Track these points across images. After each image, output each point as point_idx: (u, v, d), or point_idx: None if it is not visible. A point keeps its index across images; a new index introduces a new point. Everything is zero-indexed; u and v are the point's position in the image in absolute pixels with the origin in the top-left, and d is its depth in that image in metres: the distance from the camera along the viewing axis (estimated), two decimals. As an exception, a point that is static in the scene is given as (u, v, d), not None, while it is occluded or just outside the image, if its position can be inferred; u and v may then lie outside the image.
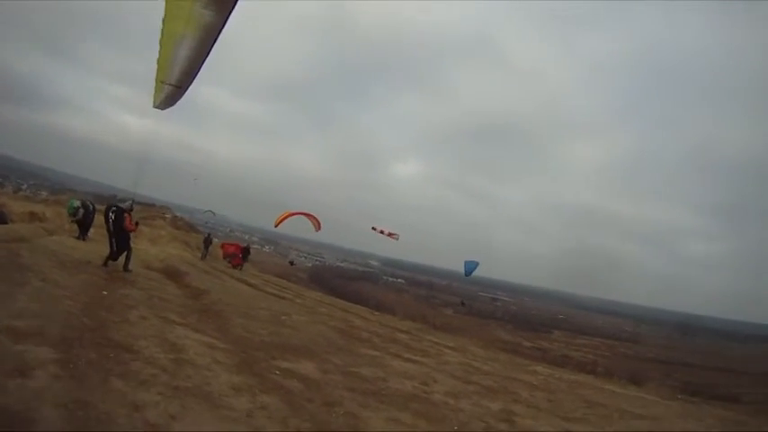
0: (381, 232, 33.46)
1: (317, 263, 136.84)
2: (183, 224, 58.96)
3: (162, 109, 11.57)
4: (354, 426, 7.55)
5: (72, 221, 29.09)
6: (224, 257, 42.43)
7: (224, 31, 7.93)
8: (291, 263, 67.12)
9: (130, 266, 19.37)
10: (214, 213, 62.05)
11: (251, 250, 46.27)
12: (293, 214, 35.33)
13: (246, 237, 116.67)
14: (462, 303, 74.49)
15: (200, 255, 42.58)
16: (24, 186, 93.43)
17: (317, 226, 36.27)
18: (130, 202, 19.72)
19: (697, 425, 12.60)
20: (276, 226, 34.93)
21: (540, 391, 13.72)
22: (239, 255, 42.33)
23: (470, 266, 37.08)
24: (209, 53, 8.47)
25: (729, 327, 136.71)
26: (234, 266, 39.60)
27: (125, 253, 19.26)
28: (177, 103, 11.58)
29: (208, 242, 43.86)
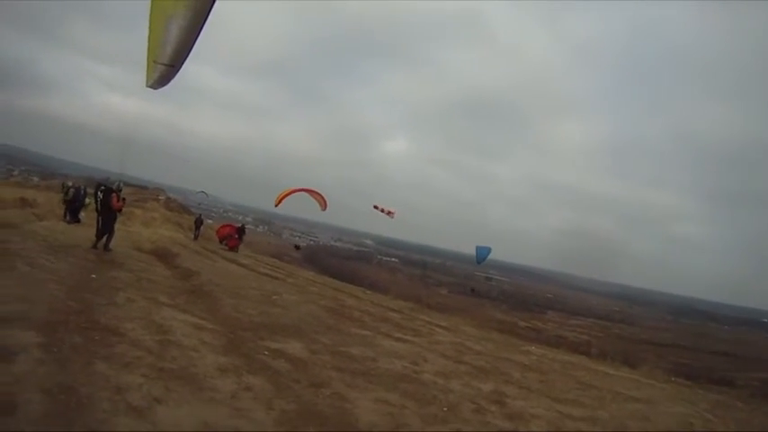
0: (382, 210, 32.96)
1: (312, 242, 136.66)
2: (175, 206, 58.85)
3: (155, 89, 11.43)
4: (341, 407, 7.48)
5: (63, 201, 29.10)
6: (220, 241, 40.64)
7: (218, 7, 7.83)
8: (297, 247, 64.15)
9: (111, 246, 19.45)
10: (207, 194, 61.61)
11: (246, 230, 44.20)
12: (295, 191, 33.01)
13: (240, 217, 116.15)
14: (472, 290, 72.78)
15: (192, 236, 42.46)
16: (15, 172, 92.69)
17: (323, 204, 33.78)
18: (119, 182, 19.91)
19: (690, 408, 12.59)
20: (277, 205, 32.92)
21: (533, 371, 13.67)
22: (235, 236, 40.20)
23: (483, 253, 36.54)
24: (201, 31, 8.33)
25: (720, 310, 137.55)
26: (231, 248, 38.22)
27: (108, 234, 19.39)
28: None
29: (199, 223, 43.38)
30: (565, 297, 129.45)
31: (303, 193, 33.03)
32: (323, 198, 33.41)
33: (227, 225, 44.22)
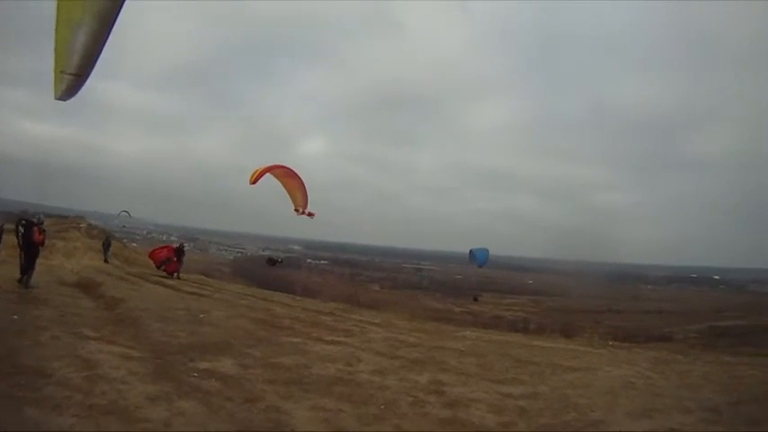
0: (303, 213, 31.51)
1: (239, 254, 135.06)
2: (97, 232, 57.28)
3: (64, 100, 11.17)
4: (276, 419, 7.50)
5: None
6: (157, 267, 34.92)
7: (121, 17, 7.75)
8: (273, 261, 44.87)
9: (32, 282, 19.10)
10: (130, 214, 59.64)
11: (185, 251, 37.73)
12: (274, 169, 25.90)
13: (164, 237, 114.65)
14: (475, 299, 70.95)
15: (104, 259, 40.49)
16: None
17: (303, 200, 26.85)
18: (39, 215, 19.77)
19: (630, 369, 12.92)
20: (253, 183, 27.15)
21: (469, 356, 13.87)
22: (174, 258, 34.71)
23: (483, 256, 33.74)
24: (107, 39, 8.24)
25: (649, 272, 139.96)
26: (170, 273, 33.69)
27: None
28: (79, 94, 11.28)
29: (107, 245, 42.14)
30: (496, 277, 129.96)
31: (278, 180, 27.36)
32: (303, 188, 27.06)
33: (164, 247, 38.67)
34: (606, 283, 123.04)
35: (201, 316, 16.45)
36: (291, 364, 10.94)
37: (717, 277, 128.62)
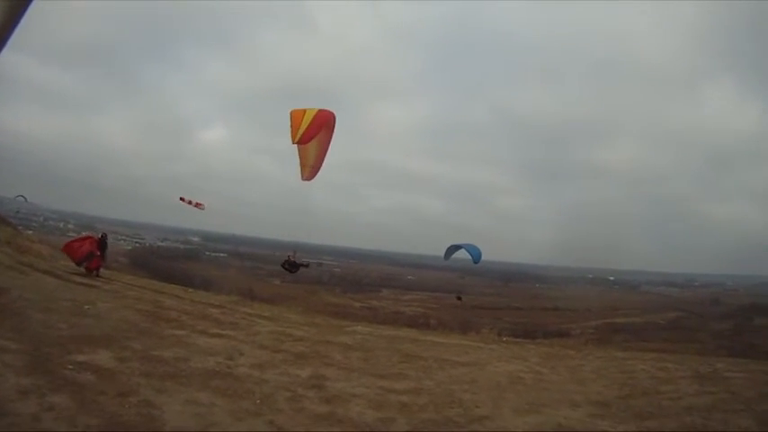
0: (189, 203, 29.88)
1: (137, 245, 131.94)
2: (-11, 217, 55.27)
3: None
4: (148, 414, 7.51)
5: None
6: (78, 263, 27.31)
7: None
8: (295, 265, 32.97)
9: None
10: (26, 199, 57.23)
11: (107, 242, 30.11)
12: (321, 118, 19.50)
13: (61, 225, 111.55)
14: (459, 298, 69.73)
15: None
16: None
17: (315, 163, 21.03)
18: None
19: (521, 364, 13.26)
20: (301, 142, 19.53)
21: (356, 351, 14.02)
22: (97, 252, 27.74)
23: (476, 251, 29.99)
24: (23, 15, 8.07)
25: (548, 272, 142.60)
26: (90, 271, 26.93)
27: None
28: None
29: None
30: (397, 274, 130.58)
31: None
32: (327, 146, 21.07)
33: (85, 238, 29.88)
34: (505, 281, 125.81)
35: (87, 307, 15.99)
36: (171, 357, 10.92)
37: (612, 278, 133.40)
